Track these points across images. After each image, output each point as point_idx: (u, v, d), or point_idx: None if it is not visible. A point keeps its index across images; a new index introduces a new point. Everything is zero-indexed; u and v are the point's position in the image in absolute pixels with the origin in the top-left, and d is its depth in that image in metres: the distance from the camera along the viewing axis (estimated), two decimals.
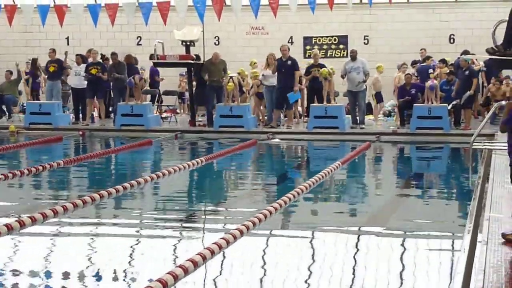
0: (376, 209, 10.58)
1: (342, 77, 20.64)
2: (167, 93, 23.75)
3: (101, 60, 22.07)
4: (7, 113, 23.02)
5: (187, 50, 21.18)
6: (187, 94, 23.28)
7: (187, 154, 16.07)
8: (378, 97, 22.11)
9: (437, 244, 8.30)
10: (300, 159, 15.35)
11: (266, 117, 21.16)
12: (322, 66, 20.79)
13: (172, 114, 23.00)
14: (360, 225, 9.43)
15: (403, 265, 7.35)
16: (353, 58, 20.62)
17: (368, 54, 22.43)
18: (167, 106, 23.81)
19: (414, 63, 22.83)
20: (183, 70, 23.22)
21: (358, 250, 8.05)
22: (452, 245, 8.27)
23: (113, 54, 21.66)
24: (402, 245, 8.32)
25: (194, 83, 21.42)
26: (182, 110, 24.94)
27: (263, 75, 21.20)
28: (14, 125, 20.33)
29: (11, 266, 7.38)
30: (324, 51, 25.03)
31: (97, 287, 6.60)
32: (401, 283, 6.73)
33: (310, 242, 8.45)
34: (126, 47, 23.87)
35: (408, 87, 20.52)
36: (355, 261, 7.53)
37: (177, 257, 7.64)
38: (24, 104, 23.73)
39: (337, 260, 7.55)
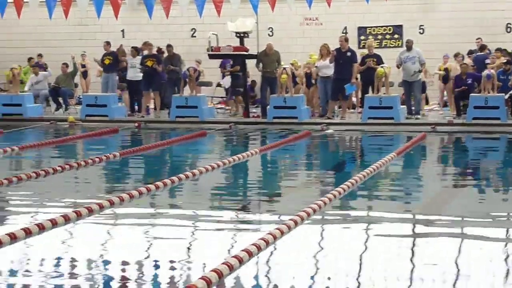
0: (431, 200, 10.49)
1: (398, 67, 20.50)
2: (220, 84, 23.79)
3: (156, 53, 22.21)
4: (63, 105, 23.29)
5: (241, 42, 21.21)
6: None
7: (241, 145, 16.10)
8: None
9: (491, 235, 8.20)
10: (354, 150, 15.29)
11: (320, 108, 21.11)
12: (377, 56, 20.70)
13: (226, 106, 23.07)
14: (415, 216, 9.36)
15: (459, 257, 7.29)
16: (409, 48, 20.47)
17: (423, 44, 22.22)
18: (221, 97, 23.86)
19: (470, 52, 22.57)
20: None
21: (413, 241, 8.01)
22: (507, 237, 8.19)
23: (169, 46, 21.85)
24: (458, 236, 8.25)
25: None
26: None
27: (316, 66, 21.16)
28: (73, 117, 20.53)
29: (68, 256, 7.48)
30: (378, 41, 24.90)
31: (153, 277, 6.65)
32: (457, 276, 6.67)
33: (365, 232, 8.42)
34: (180, 39, 23.96)
35: (464, 77, 20.32)
36: (412, 252, 7.49)
37: (232, 247, 7.66)
38: (81, 97, 24.00)
39: (391, 251, 7.51)
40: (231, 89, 22.13)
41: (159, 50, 22.55)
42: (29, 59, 25.08)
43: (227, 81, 22.41)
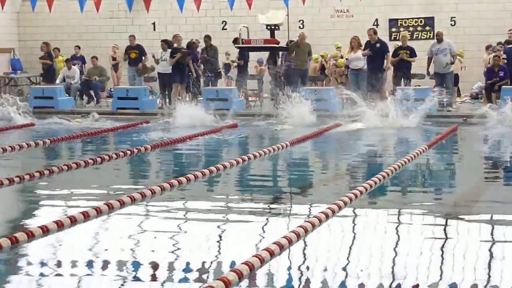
0: (463, 193, 10.43)
1: (429, 59, 20.38)
2: (251, 77, 23.77)
3: (183, 46, 22.17)
4: (95, 98, 23.40)
5: (272, 34, 21.18)
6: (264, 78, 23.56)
7: (272, 138, 16.07)
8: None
9: None
10: (386, 142, 15.20)
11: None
12: (410, 48, 20.63)
13: (257, 98, 23.07)
14: (446, 208, 9.31)
15: (490, 253, 7.24)
16: (439, 40, 20.36)
17: (454, 35, 22.08)
18: (252, 90, 23.86)
19: (499, 44, 22.34)
20: (261, 56, 23.66)
21: (445, 234, 7.96)
22: None
23: (206, 37, 21.91)
24: (489, 230, 8.19)
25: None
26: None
27: (347, 58, 21.10)
28: (79, 119, 19.94)
29: (100, 248, 7.52)
30: (410, 33, 24.70)
31: (184, 269, 6.67)
32: (489, 270, 6.63)
33: (396, 226, 8.38)
34: (211, 32, 23.96)
35: (496, 69, 20.15)
36: (443, 246, 7.45)
37: (263, 240, 7.66)
38: (112, 90, 24.11)
39: (424, 245, 7.46)
40: (237, 81, 22.26)
41: (194, 43, 22.52)
42: (54, 49, 25.23)
43: (233, 73, 22.60)
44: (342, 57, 21.91)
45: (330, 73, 22.71)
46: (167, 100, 22.12)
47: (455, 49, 20.32)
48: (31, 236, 7.49)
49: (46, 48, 23.86)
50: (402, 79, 20.68)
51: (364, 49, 20.45)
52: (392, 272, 6.55)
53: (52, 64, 23.80)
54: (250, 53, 22.29)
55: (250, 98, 22.86)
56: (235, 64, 22.52)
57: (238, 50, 22.16)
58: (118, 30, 27.14)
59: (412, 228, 8.29)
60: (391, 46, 21.38)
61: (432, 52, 20.27)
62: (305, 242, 7.43)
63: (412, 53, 20.65)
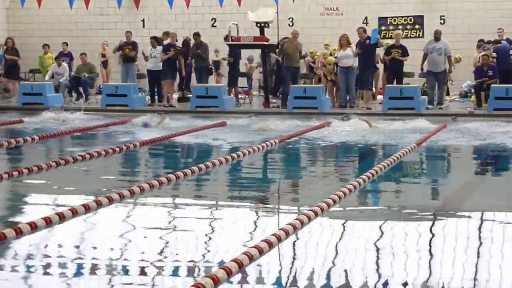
0: (452, 191, 10.46)
1: (425, 55, 20.40)
2: (242, 75, 23.74)
3: (176, 42, 22.17)
4: (84, 95, 23.34)
5: (261, 32, 21.17)
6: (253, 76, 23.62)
7: (261, 135, 16.04)
8: None
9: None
10: (374, 141, 15.21)
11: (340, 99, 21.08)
12: (403, 47, 20.68)
13: (247, 96, 23.07)
14: (436, 206, 9.33)
15: (480, 245, 7.26)
16: (437, 38, 20.48)
17: (444, 34, 22.05)
18: (241, 87, 23.84)
19: (488, 43, 22.37)
20: (251, 53, 23.76)
21: (434, 232, 7.98)
22: None
23: (196, 35, 21.93)
24: (480, 227, 8.21)
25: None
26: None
27: (336, 56, 21.12)
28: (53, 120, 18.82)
29: (88, 245, 7.51)
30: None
31: (173, 266, 6.66)
32: (476, 268, 6.65)
33: (383, 224, 8.39)
34: (201, 29, 23.92)
35: (485, 68, 20.20)
36: (431, 244, 7.46)
37: (252, 238, 7.66)
38: (101, 86, 24.05)
39: (413, 243, 7.48)
40: (228, 79, 22.26)
41: (188, 41, 22.49)
42: (44, 46, 25.13)
43: (225, 71, 22.60)
44: (331, 55, 21.91)
45: (318, 71, 22.71)
46: (156, 97, 22.11)
47: (450, 50, 20.40)
48: (19, 232, 7.46)
49: (11, 43, 23.61)
50: (395, 79, 20.72)
51: (356, 48, 20.44)
52: (379, 269, 6.56)
53: (18, 60, 23.57)
54: (241, 50, 22.26)
55: (240, 96, 22.84)
56: (226, 61, 22.51)
57: (228, 47, 22.12)
58: (108, 27, 27.06)
59: (402, 225, 8.30)
60: (384, 43, 21.38)
61: (428, 49, 20.34)
62: (294, 240, 7.43)
63: (404, 52, 20.70)
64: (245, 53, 23.38)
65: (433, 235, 7.83)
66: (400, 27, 24.83)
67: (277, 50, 21.53)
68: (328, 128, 16.85)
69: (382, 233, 7.90)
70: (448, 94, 22.88)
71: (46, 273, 6.45)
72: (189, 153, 14.63)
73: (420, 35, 24.36)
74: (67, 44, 25.40)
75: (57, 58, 23.95)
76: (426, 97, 20.53)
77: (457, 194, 10.18)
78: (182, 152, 14.67)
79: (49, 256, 6.96)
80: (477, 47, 22.49)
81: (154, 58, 21.90)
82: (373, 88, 21.91)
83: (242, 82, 23.79)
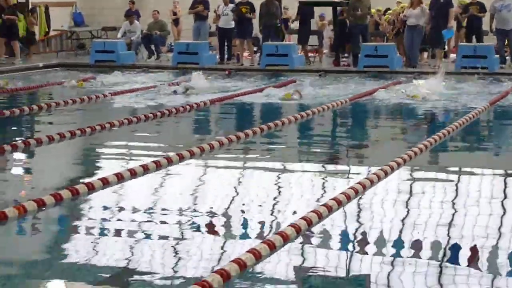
0: None
1: (492, 16, 20.02)
2: (312, 33, 23.57)
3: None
4: (155, 53, 23.49)
5: None
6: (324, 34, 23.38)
7: (331, 94, 15.93)
8: None
9: None
10: (445, 100, 14.97)
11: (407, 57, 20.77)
12: (480, 4, 20.32)
13: (317, 54, 22.95)
14: (506, 167, 9.20)
15: None
16: None
17: None
18: (311, 46, 23.69)
19: None
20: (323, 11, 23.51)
21: (504, 192, 7.88)
22: None
23: None
24: None
25: None
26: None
27: (405, 15, 20.80)
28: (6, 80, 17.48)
29: (159, 201, 7.61)
30: None
31: (242, 224, 6.71)
32: None
33: (455, 184, 8.32)
34: None
35: None
36: (504, 204, 7.38)
37: (321, 196, 7.67)
38: (172, 44, 24.16)
39: (482, 202, 7.40)
40: (298, 37, 22.11)
41: None
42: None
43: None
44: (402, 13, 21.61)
45: (384, 29, 22.49)
46: (226, 55, 22.14)
47: None
48: (91, 188, 7.59)
49: (5, 2, 22.38)
50: (473, 36, 20.42)
51: (429, 9, 20.06)
52: (450, 228, 6.51)
53: (16, 19, 22.50)
54: (313, 8, 22.04)
55: (309, 54, 22.74)
56: (293, 19, 22.37)
57: (298, 5, 21.95)
58: None
59: (474, 185, 8.22)
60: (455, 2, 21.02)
61: (495, 8, 19.90)
62: (363, 199, 7.41)
63: (482, 8, 20.35)
64: (317, 10, 23.20)
65: (505, 196, 7.73)
66: None
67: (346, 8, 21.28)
68: (398, 87, 16.64)
69: (454, 192, 7.83)
70: None
71: (117, 228, 6.55)
72: (257, 112, 14.63)
73: None
74: (133, 3, 25.45)
75: (129, 16, 24.03)
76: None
77: None
78: (251, 110, 14.68)
79: (121, 212, 7.07)
80: None
81: (226, 16, 21.85)
82: (446, 47, 21.62)
83: (313, 40, 23.62)
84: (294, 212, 6.94)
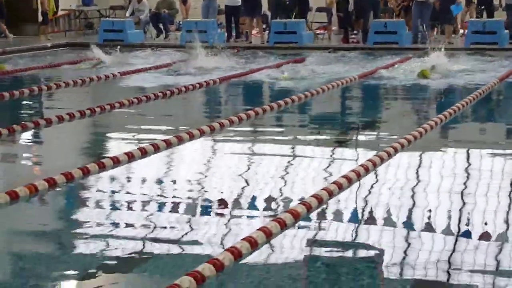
0: None
1: None
2: (319, 9, 23.50)
3: None
4: (164, 31, 23.45)
5: None
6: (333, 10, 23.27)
7: (340, 71, 15.89)
8: None
9: None
10: (455, 77, 14.91)
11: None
12: None
13: (325, 31, 22.89)
14: None
15: None
16: None
17: None
18: (320, 22, 23.62)
19: None
20: None
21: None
22: None
23: None
24: None
25: None
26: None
27: None
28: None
29: (169, 179, 7.63)
30: None
31: (252, 199, 6.72)
32: None
33: (466, 159, 8.31)
34: None
35: None
36: None
37: (331, 174, 7.66)
38: (180, 22, 24.11)
39: (494, 179, 7.38)
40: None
41: None
42: None
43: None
44: None
45: (393, 5, 22.42)
46: (234, 33, 22.07)
47: None
48: (102, 167, 7.61)
49: None
50: (484, 10, 20.36)
51: None
52: (462, 208, 6.50)
53: None
54: None
55: (318, 31, 22.67)
56: None
57: None
58: None
59: (480, 160, 8.20)
60: None
61: None
62: (373, 176, 7.40)
63: None
64: None
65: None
66: None
67: None
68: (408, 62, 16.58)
69: (465, 169, 7.82)
70: None
71: (128, 208, 6.57)
72: (267, 90, 14.61)
73: None
74: None
75: None
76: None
77: None
78: (260, 88, 14.66)
79: (131, 191, 7.09)
80: None
81: None
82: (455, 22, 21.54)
83: (322, 17, 23.55)
84: (305, 190, 6.94)
